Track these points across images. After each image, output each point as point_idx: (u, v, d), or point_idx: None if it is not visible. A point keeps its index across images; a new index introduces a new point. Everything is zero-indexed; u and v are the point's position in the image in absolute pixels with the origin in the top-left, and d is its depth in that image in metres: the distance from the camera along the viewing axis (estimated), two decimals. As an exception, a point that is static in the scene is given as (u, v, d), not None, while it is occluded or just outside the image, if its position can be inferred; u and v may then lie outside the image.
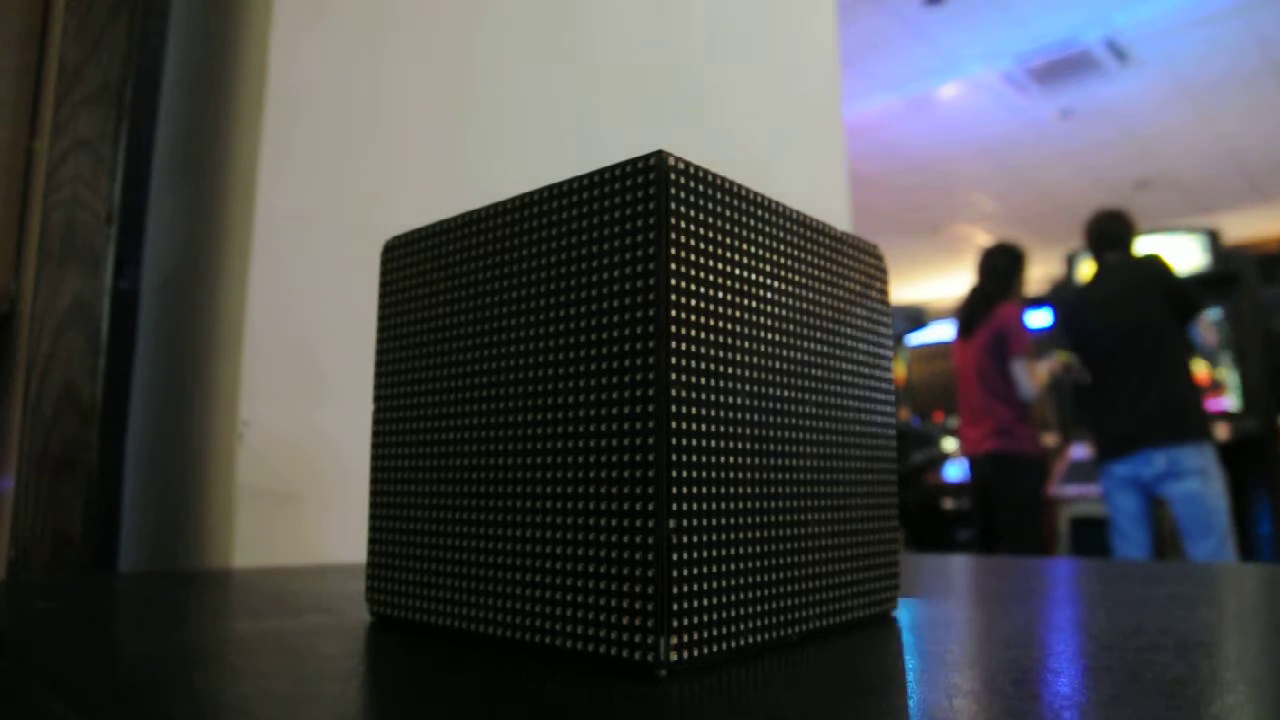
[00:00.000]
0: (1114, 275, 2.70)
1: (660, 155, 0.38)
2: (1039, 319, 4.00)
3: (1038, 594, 0.67)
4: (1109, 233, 2.74)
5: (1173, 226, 4.25)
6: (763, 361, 0.42)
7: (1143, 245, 2.82)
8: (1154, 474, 2.50)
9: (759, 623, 0.40)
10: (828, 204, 1.49)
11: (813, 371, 0.46)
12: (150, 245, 0.94)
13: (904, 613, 0.52)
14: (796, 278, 0.45)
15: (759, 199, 0.43)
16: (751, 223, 0.42)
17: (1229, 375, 3.86)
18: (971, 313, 2.97)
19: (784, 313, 0.44)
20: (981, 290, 2.97)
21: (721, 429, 0.39)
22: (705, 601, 0.37)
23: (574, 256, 0.41)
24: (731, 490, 0.39)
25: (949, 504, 4.53)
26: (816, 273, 0.47)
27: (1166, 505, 2.59)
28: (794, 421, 0.44)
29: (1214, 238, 4.22)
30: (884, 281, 0.53)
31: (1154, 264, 2.64)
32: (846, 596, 0.46)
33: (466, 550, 0.44)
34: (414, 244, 0.50)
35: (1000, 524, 2.87)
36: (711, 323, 0.39)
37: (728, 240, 0.41)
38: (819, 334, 0.47)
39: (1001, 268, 2.96)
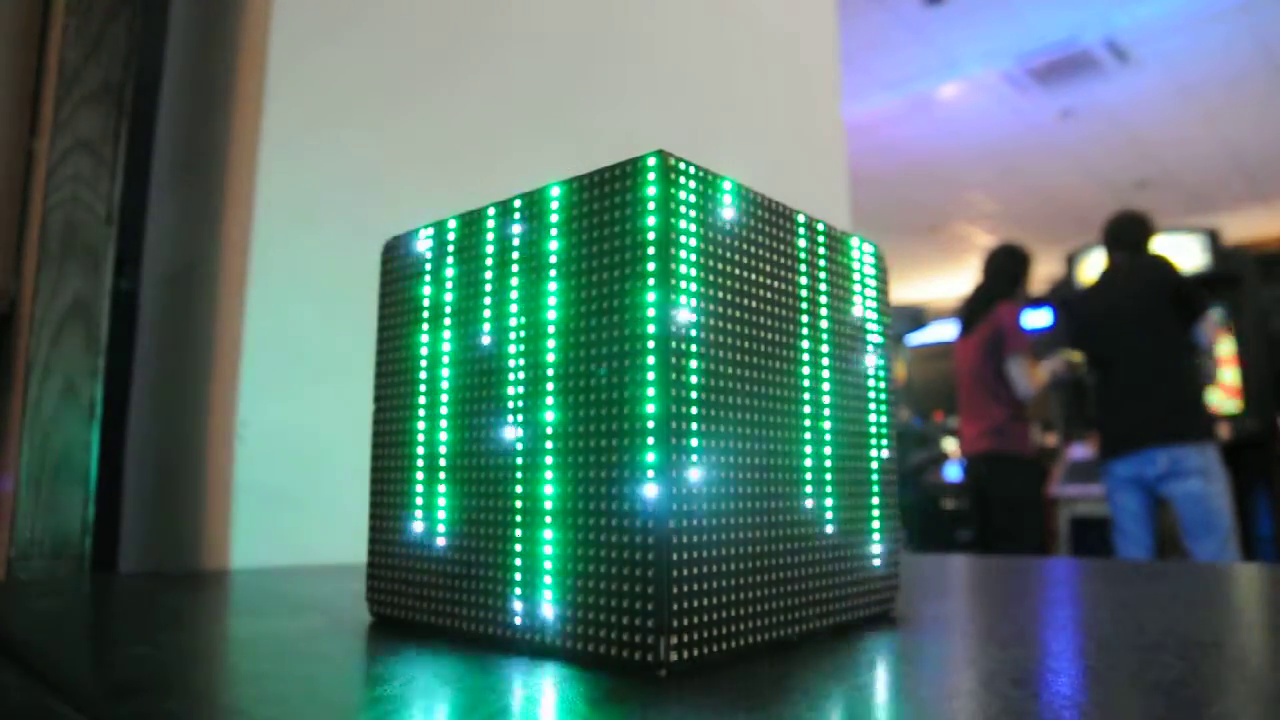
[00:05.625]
0: (1120, 275, 2.70)
1: (660, 154, 0.38)
2: (1038, 319, 4.00)
3: (1038, 594, 0.67)
4: (1124, 234, 2.75)
5: (1173, 226, 4.25)
6: (762, 361, 0.42)
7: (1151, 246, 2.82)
8: (1156, 473, 2.50)
9: (759, 623, 0.40)
10: (828, 204, 1.49)
11: (812, 371, 0.46)
12: (150, 245, 0.94)
13: (904, 613, 0.51)
14: (795, 276, 0.45)
15: (759, 199, 0.43)
16: (751, 222, 0.42)
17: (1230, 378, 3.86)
18: (972, 311, 2.97)
19: (784, 312, 0.44)
20: (985, 289, 2.96)
21: (721, 428, 0.39)
22: (705, 601, 0.37)
23: (574, 255, 0.41)
24: (731, 491, 0.39)
25: (949, 504, 4.53)
26: (816, 272, 0.47)
27: (1169, 505, 2.58)
28: (793, 421, 0.44)
29: (1214, 238, 4.21)
30: (884, 281, 0.53)
31: (1160, 264, 2.64)
32: (846, 596, 0.46)
33: (466, 550, 0.44)
34: (414, 244, 0.50)
35: (996, 523, 2.86)
36: (711, 322, 0.39)
37: (728, 239, 0.41)
38: (819, 333, 0.47)
39: (1007, 268, 2.96)
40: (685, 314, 0.37)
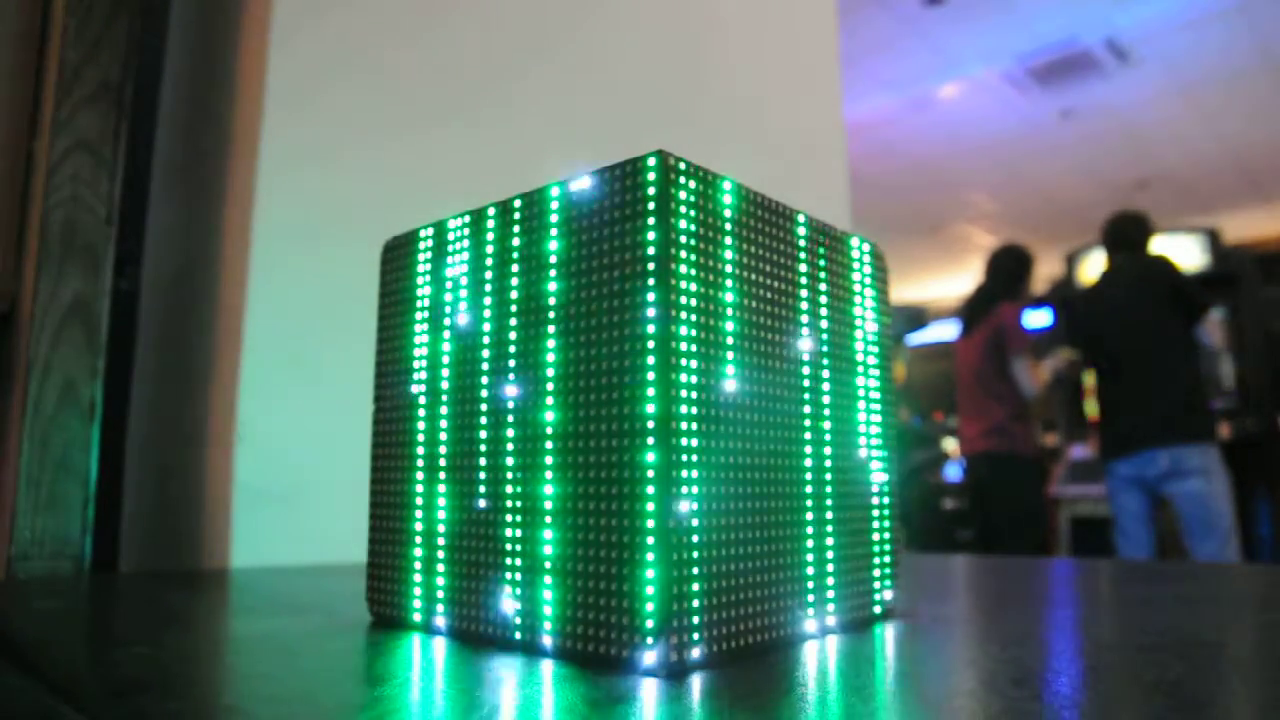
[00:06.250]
0: (1120, 275, 2.70)
1: (660, 154, 0.38)
2: (1038, 319, 4.00)
3: (1038, 594, 0.67)
4: (1123, 234, 2.75)
5: (1173, 226, 4.24)
6: (762, 360, 0.42)
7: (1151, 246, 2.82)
8: (1157, 473, 2.50)
9: (757, 623, 0.40)
10: (828, 204, 1.49)
11: (811, 370, 0.46)
12: (150, 245, 0.94)
13: (904, 613, 0.51)
14: (795, 276, 0.45)
15: (759, 198, 0.43)
16: (751, 222, 0.42)
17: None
18: (973, 311, 2.97)
19: (783, 311, 0.44)
20: (986, 290, 2.97)
21: (721, 428, 0.39)
22: (704, 602, 0.37)
23: (575, 255, 0.41)
24: (731, 490, 0.39)
25: (949, 504, 4.53)
26: (816, 272, 0.47)
27: (1170, 505, 2.59)
28: (792, 421, 0.44)
29: (1214, 238, 4.21)
30: (885, 281, 0.53)
31: (1160, 264, 2.64)
32: (845, 597, 0.46)
33: (467, 550, 0.44)
34: (414, 244, 0.50)
35: (997, 524, 2.86)
36: (711, 322, 0.39)
37: (727, 239, 0.41)
38: (818, 333, 0.47)
39: (1009, 269, 2.96)
40: (685, 314, 0.37)
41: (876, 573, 0.49)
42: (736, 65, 1.43)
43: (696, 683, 0.34)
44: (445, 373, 0.47)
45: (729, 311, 0.40)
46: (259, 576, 0.77)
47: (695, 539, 0.37)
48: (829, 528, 0.45)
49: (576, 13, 1.22)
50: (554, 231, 0.42)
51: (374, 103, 0.99)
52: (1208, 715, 0.29)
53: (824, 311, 0.47)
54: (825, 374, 0.47)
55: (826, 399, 0.46)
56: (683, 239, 0.38)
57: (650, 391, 0.36)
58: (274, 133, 0.90)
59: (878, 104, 4.42)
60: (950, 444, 4.80)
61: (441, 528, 0.46)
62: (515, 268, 0.44)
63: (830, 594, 0.45)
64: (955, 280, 6.83)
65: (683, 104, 1.32)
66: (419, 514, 0.47)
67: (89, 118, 0.84)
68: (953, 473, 4.56)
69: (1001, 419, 2.82)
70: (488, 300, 0.45)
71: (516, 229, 0.44)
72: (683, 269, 0.38)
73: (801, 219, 0.46)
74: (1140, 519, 2.60)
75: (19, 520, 0.76)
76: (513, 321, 0.43)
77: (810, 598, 0.44)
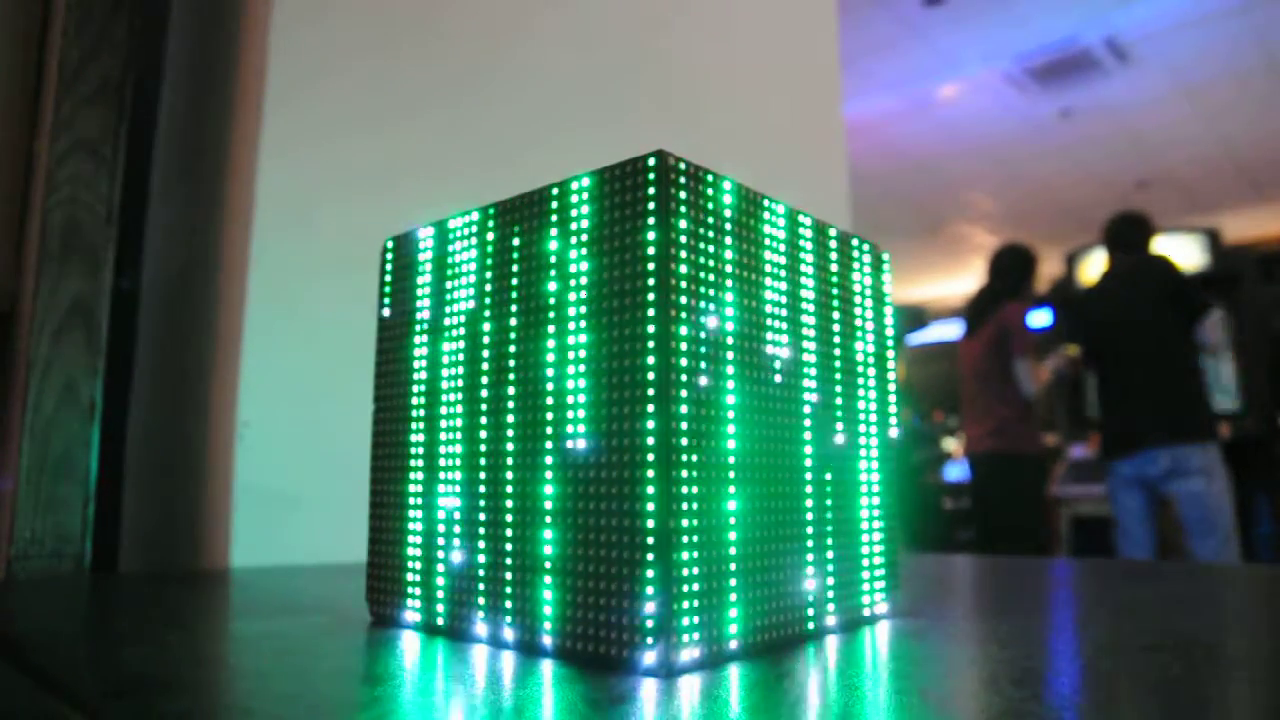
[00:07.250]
0: (1120, 276, 2.70)
1: (660, 155, 0.38)
2: (1039, 318, 4.00)
3: (1038, 594, 0.67)
4: (1124, 234, 2.76)
5: (1173, 226, 4.25)
6: (762, 360, 0.42)
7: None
8: (1158, 473, 2.50)
9: (759, 623, 0.40)
10: (828, 204, 1.49)
11: (811, 370, 0.46)
12: (150, 245, 0.94)
13: (904, 613, 0.51)
14: (796, 276, 0.45)
15: (759, 198, 0.43)
16: (751, 222, 0.42)
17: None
18: (977, 311, 2.97)
19: (783, 311, 0.44)
20: (990, 289, 2.97)
21: (721, 428, 0.39)
22: (705, 602, 0.37)
23: (575, 255, 0.41)
24: (731, 490, 0.39)
25: (949, 504, 4.53)
26: (816, 272, 0.47)
27: (1171, 504, 2.59)
28: (792, 421, 0.44)
29: (1214, 238, 4.22)
30: (885, 281, 0.53)
31: (1161, 264, 2.64)
32: (846, 597, 0.46)
33: (466, 550, 0.44)
34: (414, 243, 0.50)
35: (998, 523, 2.86)
36: (712, 322, 0.39)
37: (728, 239, 0.41)
38: (818, 333, 0.47)
39: (1011, 269, 2.96)
40: (685, 314, 0.37)
41: (877, 573, 0.49)
42: (736, 65, 1.43)
43: (696, 683, 0.34)
44: (445, 373, 0.47)
45: (729, 311, 0.40)
46: (259, 576, 0.77)
47: (696, 540, 0.37)
48: (829, 528, 0.45)
49: (577, 10, 1.22)
50: (554, 231, 0.42)
51: (375, 103, 0.99)
52: (1208, 715, 0.29)
53: (824, 311, 0.47)
54: (825, 374, 0.47)
55: (826, 399, 0.46)
56: (683, 239, 0.38)
57: (650, 392, 0.36)
58: (274, 132, 0.90)
59: (878, 104, 4.42)
60: (950, 444, 4.80)
61: (441, 528, 0.46)
62: (515, 268, 0.44)
63: (830, 594, 0.45)
64: (955, 280, 6.83)
65: (682, 103, 1.32)
66: (419, 514, 0.47)
67: (89, 118, 0.84)
68: (954, 473, 4.56)
69: (1005, 418, 2.82)
70: (488, 300, 0.45)
71: (516, 229, 0.44)
72: (683, 269, 0.38)
73: (802, 219, 0.46)
74: (1141, 518, 2.61)
75: (19, 520, 0.76)
76: (513, 321, 0.43)
77: (810, 598, 0.44)
